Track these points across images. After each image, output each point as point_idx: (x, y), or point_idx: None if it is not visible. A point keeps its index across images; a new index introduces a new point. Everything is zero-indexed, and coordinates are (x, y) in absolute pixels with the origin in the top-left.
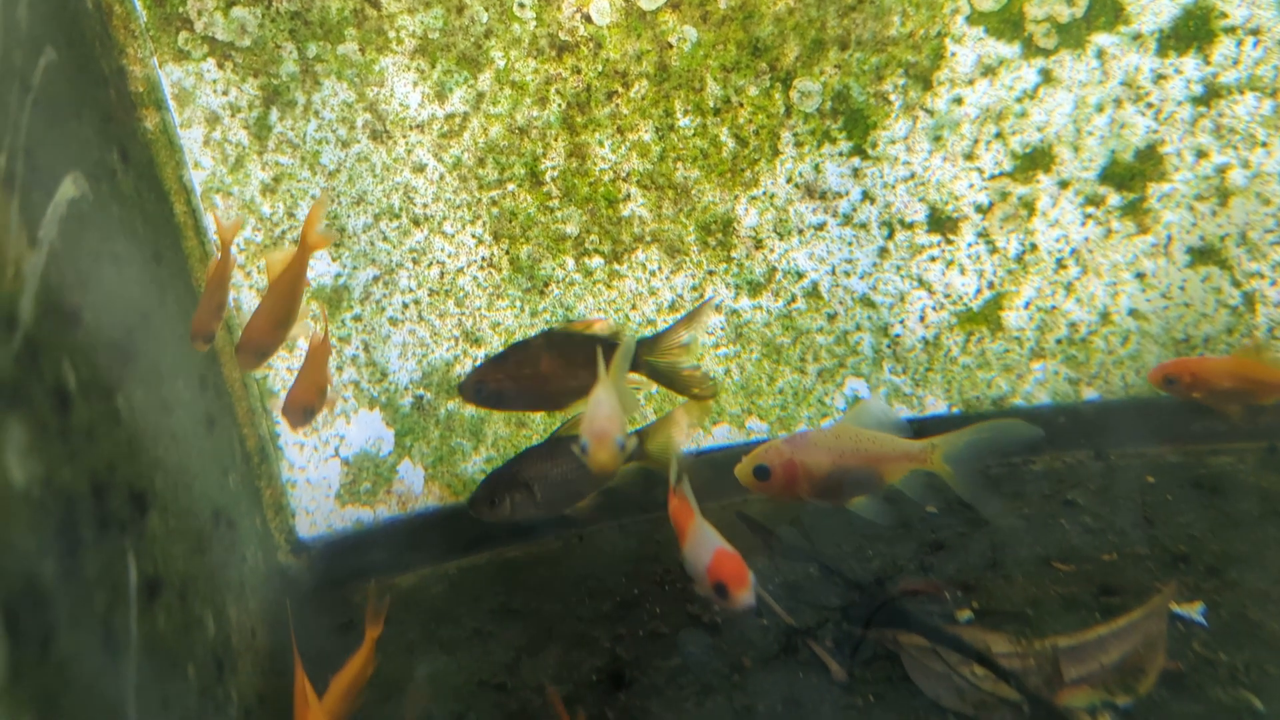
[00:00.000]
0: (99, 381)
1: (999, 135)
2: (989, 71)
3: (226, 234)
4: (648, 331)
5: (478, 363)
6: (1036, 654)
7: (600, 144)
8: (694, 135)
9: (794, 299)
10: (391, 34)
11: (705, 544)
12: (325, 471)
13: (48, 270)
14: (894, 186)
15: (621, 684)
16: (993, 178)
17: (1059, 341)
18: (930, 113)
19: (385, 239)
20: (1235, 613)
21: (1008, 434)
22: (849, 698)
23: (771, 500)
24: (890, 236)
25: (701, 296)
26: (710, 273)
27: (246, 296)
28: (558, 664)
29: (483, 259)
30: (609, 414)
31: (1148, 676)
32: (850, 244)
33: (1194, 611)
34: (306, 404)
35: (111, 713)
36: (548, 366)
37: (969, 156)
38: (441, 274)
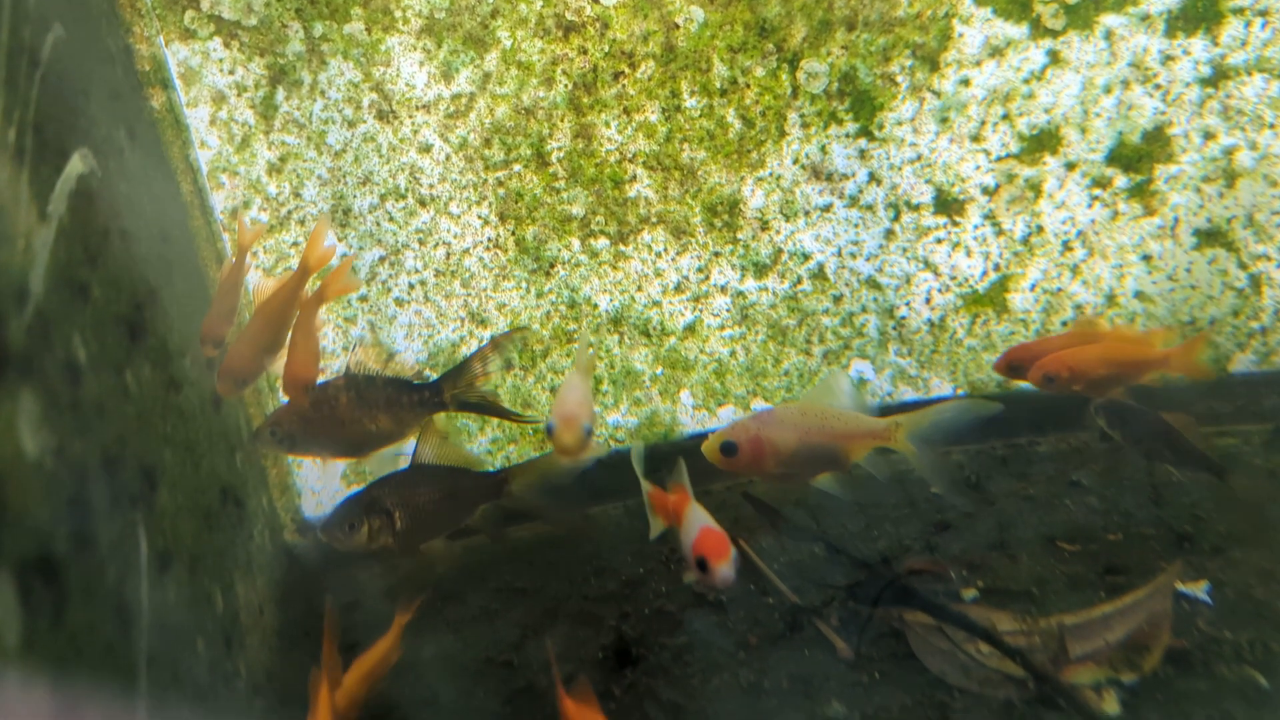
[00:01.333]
0: (108, 357)
1: (1006, 117)
2: (996, 53)
3: (245, 239)
4: (443, 372)
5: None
6: (1042, 631)
7: (606, 125)
8: (700, 116)
9: (800, 281)
10: (398, 13)
11: (693, 524)
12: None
13: (57, 245)
14: (900, 168)
15: (628, 661)
16: (999, 160)
17: (1065, 324)
18: (937, 94)
19: (391, 219)
20: (1240, 591)
21: (969, 413)
22: (855, 675)
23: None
24: (896, 218)
25: (707, 279)
26: (716, 254)
27: (253, 278)
28: (564, 642)
29: (489, 240)
30: (579, 399)
31: (1153, 654)
32: (856, 226)
33: (1199, 590)
34: (306, 379)
35: (124, 683)
36: (346, 410)
37: (976, 138)
38: (447, 255)
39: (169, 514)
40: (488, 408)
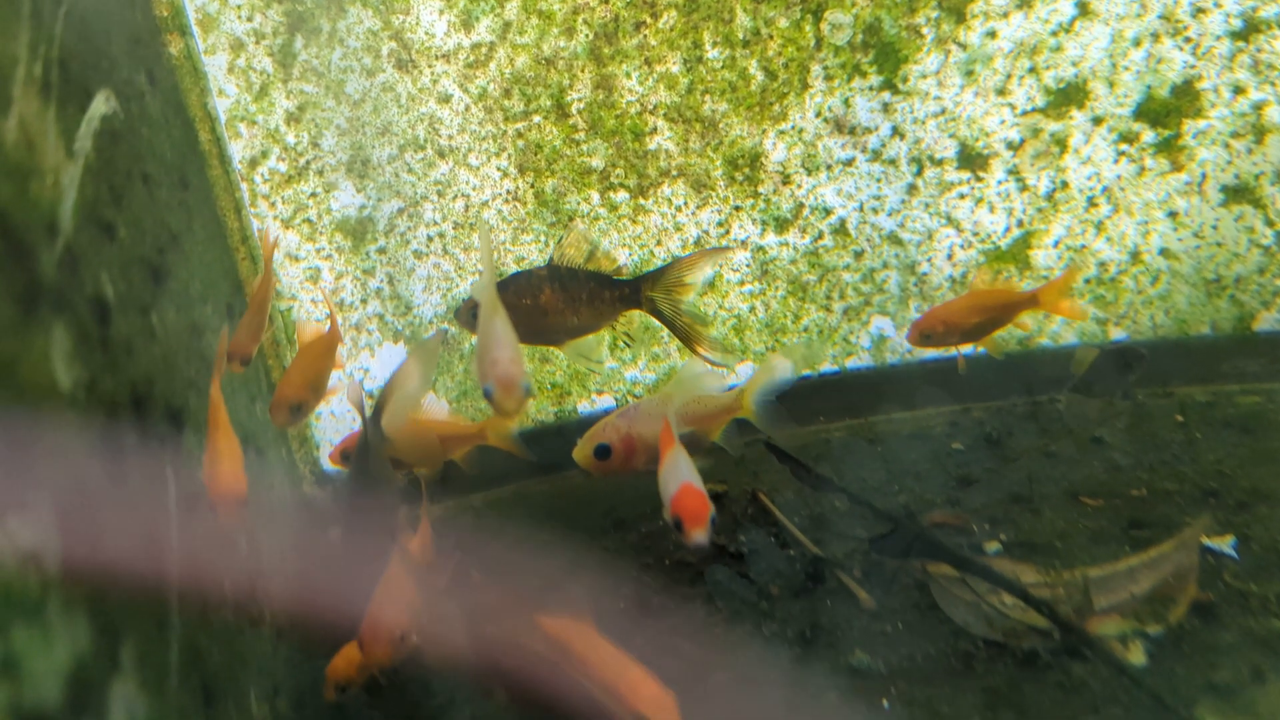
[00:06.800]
0: (135, 297)
1: (1032, 70)
2: (1024, 4)
3: (270, 251)
4: (650, 268)
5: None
6: (1066, 584)
7: (627, 76)
8: (722, 68)
9: (821, 236)
10: None
11: (674, 475)
12: (350, 405)
13: (84, 182)
14: (924, 122)
15: (650, 611)
16: (1025, 114)
17: (1088, 281)
18: (963, 46)
19: (410, 170)
20: (1267, 546)
21: (789, 362)
22: (878, 625)
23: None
24: (919, 173)
25: (728, 233)
26: (737, 208)
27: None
28: (585, 592)
29: (507, 192)
30: (510, 356)
31: (1178, 606)
32: (879, 180)
33: (1225, 544)
34: (296, 400)
35: (157, 620)
36: (548, 299)
37: (1001, 92)
38: (466, 207)
39: (195, 457)
40: (670, 323)
